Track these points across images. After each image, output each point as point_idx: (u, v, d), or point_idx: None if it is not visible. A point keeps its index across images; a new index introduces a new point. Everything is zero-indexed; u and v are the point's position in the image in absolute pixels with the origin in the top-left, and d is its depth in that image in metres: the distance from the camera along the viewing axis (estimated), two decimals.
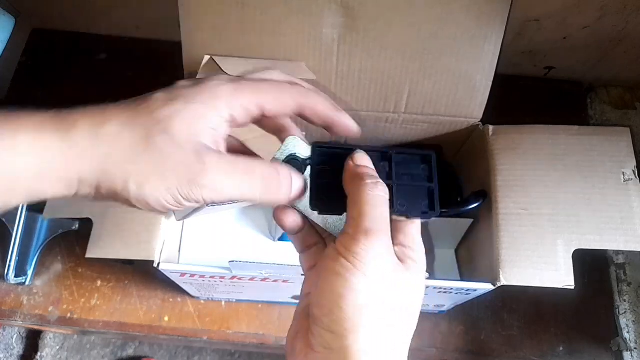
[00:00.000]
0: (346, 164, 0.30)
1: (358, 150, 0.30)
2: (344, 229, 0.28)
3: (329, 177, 0.30)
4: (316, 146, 0.30)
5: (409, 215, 0.30)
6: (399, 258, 0.28)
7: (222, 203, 0.29)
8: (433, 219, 0.32)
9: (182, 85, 0.28)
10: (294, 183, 0.29)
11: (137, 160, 0.26)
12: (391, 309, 0.27)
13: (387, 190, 0.28)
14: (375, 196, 0.27)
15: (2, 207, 0.25)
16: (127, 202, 0.27)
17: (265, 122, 0.31)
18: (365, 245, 0.26)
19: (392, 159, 0.31)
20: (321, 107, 0.30)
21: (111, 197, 0.26)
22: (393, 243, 0.28)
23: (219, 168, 0.27)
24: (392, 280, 0.27)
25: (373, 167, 0.30)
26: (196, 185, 0.26)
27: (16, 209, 0.55)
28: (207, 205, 0.29)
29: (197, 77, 0.42)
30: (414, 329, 0.28)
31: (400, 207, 0.30)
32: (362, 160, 0.29)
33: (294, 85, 0.31)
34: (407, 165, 0.31)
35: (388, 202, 0.28)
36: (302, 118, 0.31)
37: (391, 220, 0.28)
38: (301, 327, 0.29)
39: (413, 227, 0.30)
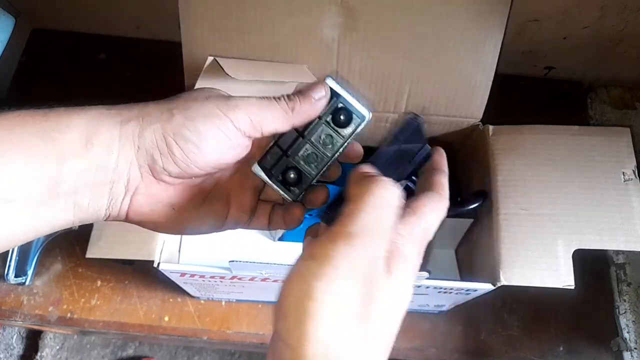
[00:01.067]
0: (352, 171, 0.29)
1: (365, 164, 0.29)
2: (332, 224, 0.24)
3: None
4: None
5: None
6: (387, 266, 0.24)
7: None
8: None
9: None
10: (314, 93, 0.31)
11: (148, 139, 0.28)
12: (358, 324, 0.22)
13: (396, 194, 0.25)
14: (378, 196, 0.24)
15: (52, 178, 0.25)
16: (181, 146, 0.28)
17: None
18: (342, 250, 0.22)
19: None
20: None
21: (159, 147, 0.28)
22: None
23: (250, 101, 0.30)
24: (368, 293, 0.22)
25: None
26: (238, 108, 0.29)
27: None
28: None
29: (200, 77, 0.42)
30: (389, 347, 0.23)
31: None
32: (369, 168, 0.28)
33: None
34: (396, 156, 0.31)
35: (394, 207, 0.25)
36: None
37: None
38: None
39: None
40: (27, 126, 0.25)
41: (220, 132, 0.28)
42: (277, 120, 0.30)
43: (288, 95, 0.31)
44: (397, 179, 0.29)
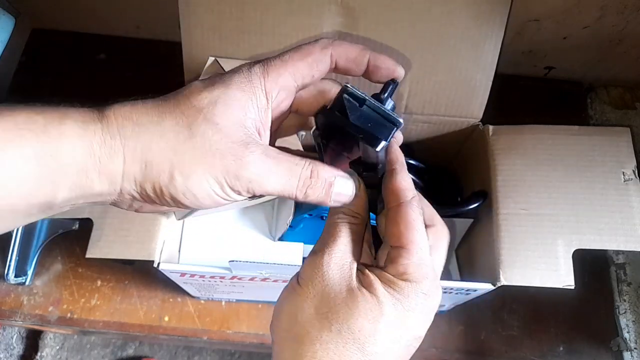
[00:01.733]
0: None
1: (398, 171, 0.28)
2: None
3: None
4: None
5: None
6: (364, 283, 0.25)
7: (259, 196, 0.29)
8: None
9: (218, 74, 0.28)
10: (336, 187, 0.28)
11: (181, 150, 0.25)
12: (337, 344, 0.24)
13: (360, 225, 0.27)
14: (337, 223, 0.27)
15: (48, 202, 0.24)
16: (173, 198, 0.26)
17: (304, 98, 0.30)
18: (315, 267, 0.24)
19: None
20: (353, 50, 0.29)
21: (156, 193, 0.25)
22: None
23: (263, 162, 0.26)
24: (345, 310, 0.24)
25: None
26: (243, 176, 0.26)
27: None
28: (248, 197, 0.28)
29: (200, 78, 0.42)
30: None
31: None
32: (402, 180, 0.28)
33: (317, 40, 0.29)
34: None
35: (359, 230, 0.27)
36: (339, 72, 0.30)
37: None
38: None
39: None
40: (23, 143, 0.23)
41: (217, 197, 0.26)
42: (281, 185, 0.27)
43: (312, 161, 0.28)
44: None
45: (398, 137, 0.31)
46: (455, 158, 0.56)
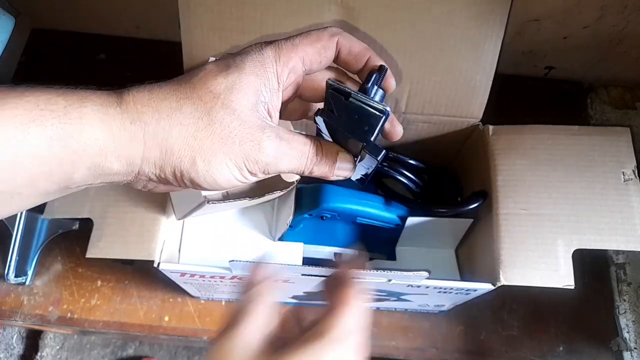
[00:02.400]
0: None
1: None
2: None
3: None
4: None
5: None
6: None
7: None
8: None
9: (230, 56, 0.28)
10: (340, 162, 0.30)
11: (201, 136, 0.26)
12: None
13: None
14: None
15: (65, 180, 0.25)
16: (192, 182, 0.27)
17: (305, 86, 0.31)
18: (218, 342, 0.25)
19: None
20: (357, 45, 0.30)
21: (175, 177, 0.26)
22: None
23: (278, 144, 0.27)
24: None
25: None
26: (261, 159, 0.27)
27: None
28: (257, 179, 0.30)
29: None
30: None
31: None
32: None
33: (326, 28, 0.30)
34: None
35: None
36: (338, 63, 0.31)
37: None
38: None
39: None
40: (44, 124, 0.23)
41: (235, 180, 0.28)
42: (292, 165, 0.29)
43: (321, 143, 0.30)
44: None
45: (396, 131, 0.32)
46: (455, 158, 0.56)
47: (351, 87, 0.30)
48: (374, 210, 0.48)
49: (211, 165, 0.26)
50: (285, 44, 0.28)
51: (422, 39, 0.44)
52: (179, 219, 0.47)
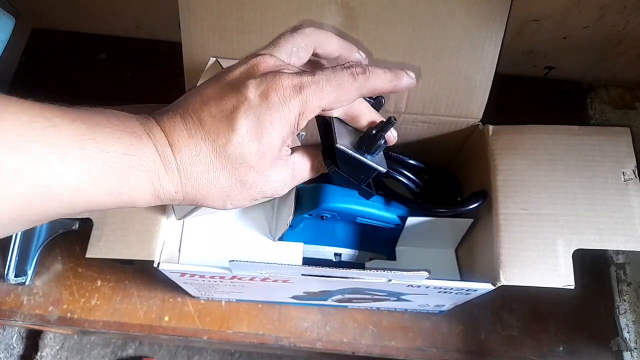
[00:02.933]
0: None
1: None
2: None
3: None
4: None
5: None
6: None
7: None
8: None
9: (266, 104, 0.28)
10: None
11: (234, 194, 0.29)
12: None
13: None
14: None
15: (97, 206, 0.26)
16: (211, 209, 0.31)
17: None
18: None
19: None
20: (384, 87, 0.32)
21: (195, 203, 0.30)
22: None
23: (295, 175, 0.32)
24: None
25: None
26: (279, 194, 0.31)
27: None
28: None
29: (200, 78, 0.42)
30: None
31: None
32: None
33: (355, 74, 0.31)
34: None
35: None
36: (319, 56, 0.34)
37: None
38: None
39: None
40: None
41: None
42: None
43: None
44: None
45: (392, 135, 0.34)
46: (455, 158, 0.56)
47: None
48: (374, 210, 0.48)
49: (231, 204, 0.30)
50: (311, 91, 0.29)
51: (422, 39, 0.44)
52: (179, 219, 0.47)
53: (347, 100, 0.30)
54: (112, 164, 0.25)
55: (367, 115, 0.32)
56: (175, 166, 0.27)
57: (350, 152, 0.31)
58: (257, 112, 0.28)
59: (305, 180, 0.33)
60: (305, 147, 0.33)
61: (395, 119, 0.31)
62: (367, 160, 0.32)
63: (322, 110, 0.30)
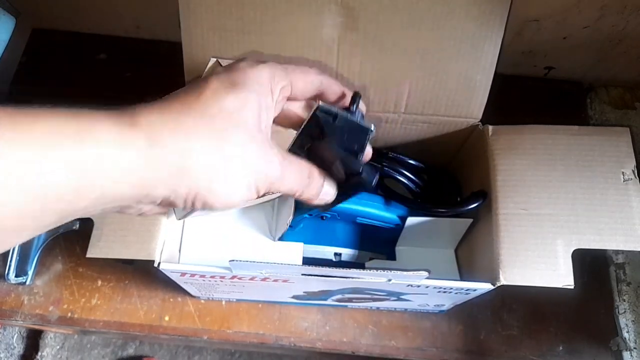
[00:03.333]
0: None
1: None
2: None
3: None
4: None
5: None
6: None
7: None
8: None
9: (227, 71, 0.29)
10: (326, 187, 0.32)
11: (219, 156, 0.26)
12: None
13: None
14: None
15: (68, 211, 0.23)
16: (205, 203, 0.26)
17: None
18: None
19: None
20: (336, 85, 0.34)
21: (186, 199, 0.26)
22: None
23: (283, 165, 0.29)
24: None
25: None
26: (271, 176, 0.28)
27: None
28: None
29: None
30: None
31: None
32: None
33: (312, 66, 0.33)
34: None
35: None
36: (320, 99, 0.34)
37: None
38: None
39: None
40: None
41: (246, 201, 0.28)
42: (291, 185, 0.30)
43: (310, 165, 0.31)
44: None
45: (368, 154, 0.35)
46: (455, 158, 0.56)
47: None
48: (374, 210, 0.48)
49: (228, 184, 0.26)
50: (278, 66, 0.30)
51: (422, 39, 0.44)
52: (179, 219, 0.47)
53: (308, 86, 0.32)
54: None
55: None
56: (144, 121, 0.25)
57: (332, 108, 0.32)
58: (226, 72, 0.28)
59: (283, 190, 0.30)
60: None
61: (359, 94, 0.33)
62: (352, 117, 0.32)
63: (293, 93, 0.31)
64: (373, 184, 0.32)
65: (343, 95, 0.34)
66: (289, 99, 0.32)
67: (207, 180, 0.26)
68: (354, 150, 0.31)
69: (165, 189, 0.25)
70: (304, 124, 0.32)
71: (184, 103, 0.26)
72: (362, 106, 0.35)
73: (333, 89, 0.34)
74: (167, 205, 0.27)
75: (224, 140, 0.26)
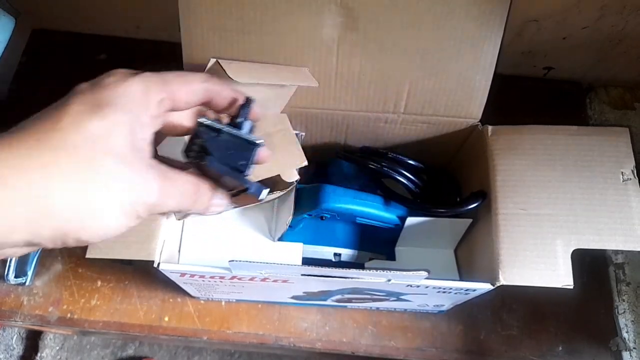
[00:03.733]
0: None
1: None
2: None
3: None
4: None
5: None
6: None
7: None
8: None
9: (91, 89, 0.26)
10: (215, 199, 0.30)
11: (85, 192, 0.23)
12: None
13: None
14: None
15: None
16: (78, 240, 0.24)
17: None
18: None
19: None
20: (227, 90, 0.30)
21: (54, 239, 0.23)
22: None
23: (164, 185, 0.26)
24: None
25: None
26: (149, 201, 0.26)
27: None
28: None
29: None
30: None
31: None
32: None
33: (197, 73, 0.30)
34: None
35: None
36: (209, 106, 0.31)
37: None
38: None
39: None
40: None
41: (124, 229, 0.26)
42: (176, 204, 0.28)
43: (197, 179, 0.29)
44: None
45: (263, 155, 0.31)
46: (455, 158, 0.56)
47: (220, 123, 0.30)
48: (374, 210, 0.48)
49: (101, 218, 0.24)
50: (154, 77, 0.27)
51: (422, 39, 0.44)
52: (179, 219, 0.47)
53: (190, 96, 0.29)
54: None
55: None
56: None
57: (215, 124, 0.29)
58: (89, 90, 0.26)
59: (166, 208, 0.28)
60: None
61: (252, 99, 0.31)
62: (237, 132, 0.29)
63: (174, 106, 0.28)
64: (259, 198, 0.30)
65: (234, 101, 0.31)
66: (172, 109, 0.29)
67: (76, 218, 0.23)
68: (239, 166, 0.29)
69: (26, 234, 0.22)
70: (189, 139, 0.30)
71: (39, 133, 0.23)
72: (255, 113, 0.31)
73: (223, 95, 0.30)
74: (35, 247, 0.24)
75: (91, 172, 0.23)
